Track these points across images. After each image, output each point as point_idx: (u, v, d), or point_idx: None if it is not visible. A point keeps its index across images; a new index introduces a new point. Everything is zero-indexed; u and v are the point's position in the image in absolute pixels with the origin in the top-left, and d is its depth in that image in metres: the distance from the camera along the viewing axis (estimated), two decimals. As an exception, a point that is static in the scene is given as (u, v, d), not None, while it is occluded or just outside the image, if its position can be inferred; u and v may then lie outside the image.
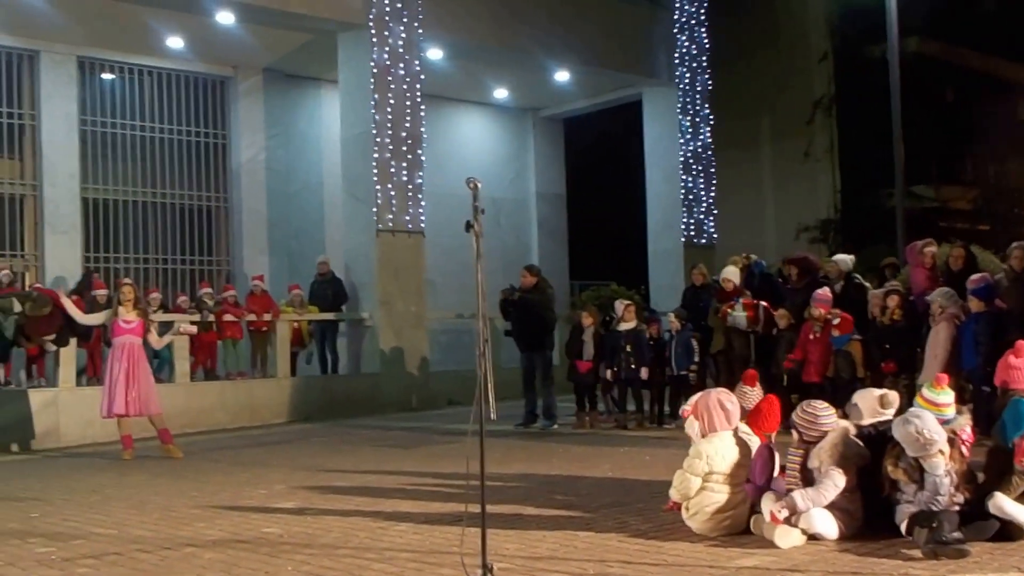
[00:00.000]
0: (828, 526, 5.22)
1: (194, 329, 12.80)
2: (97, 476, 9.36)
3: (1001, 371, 5.82)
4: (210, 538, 6.02)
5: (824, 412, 5.48)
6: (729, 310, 11.28)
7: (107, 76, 17.19)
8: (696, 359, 11.45)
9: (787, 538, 5.15)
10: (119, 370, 10.31)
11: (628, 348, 11.56)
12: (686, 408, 5.97)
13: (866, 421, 5.61)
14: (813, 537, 5.22)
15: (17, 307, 12.13)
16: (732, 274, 11.66)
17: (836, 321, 10.13)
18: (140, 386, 10.38)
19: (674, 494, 5.74)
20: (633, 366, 11.54)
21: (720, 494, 5.48)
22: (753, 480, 5.56)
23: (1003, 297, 9.26)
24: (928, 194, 22.69)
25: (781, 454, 5.71)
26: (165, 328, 13.19)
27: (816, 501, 5.20)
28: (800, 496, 5.20)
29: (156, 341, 10.96)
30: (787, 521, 5.20)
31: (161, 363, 14.59)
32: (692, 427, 5.87)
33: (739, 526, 5.47)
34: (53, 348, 12.64)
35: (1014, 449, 5.22)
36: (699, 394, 6.02)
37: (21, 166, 16.47)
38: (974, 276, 9.45)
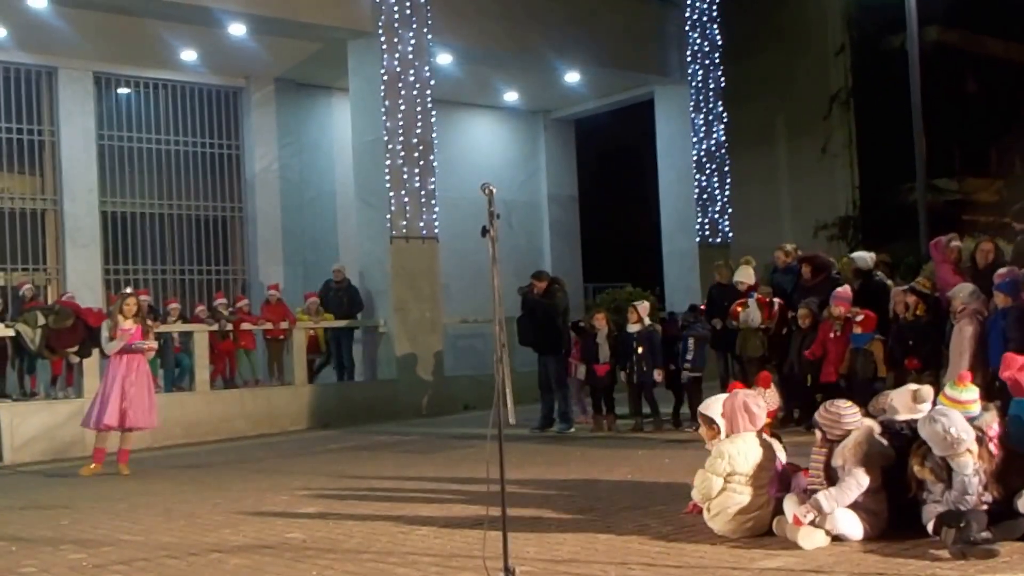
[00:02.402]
0: (853, 527, 5.18)
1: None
2: (124, 484, 9.46)
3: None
4: (235, 544, 6.07)
5: (848, 411, 5.45)
6: (740, 308, 11.21)
7: (123, 91, 17.36)
8: (688, 357, 11.28)
9: (811, 539, 5.11)
10: (119, 383, 9.95)
11: (640, 350, 11.43)
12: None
13: (900, 417, 5.56)
14: (837, 538, 5.18)
15: (41, 320, 12.29)
16: (746, 275, 11.58)
17: (859, 318, 10.02)
18: (138, 399, 10.01)
19: (696, 495, 5.72)
20: (645, 368, 11.42)
21: (742, 495, 5.45)
22: (768, 491, 5.55)
23: None
24: (951, 187, 22.38)
25: (794, 454, 5.71)
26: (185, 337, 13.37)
27: (840, 501, 5.16)
28: (824, 497, 5.16)
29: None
30: (811, 522, 5.17)
31: (182, 372, 14.74)
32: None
33: (761, 528, 5.44)
34: (76, 360, 12.79)
35: None
36: (724, 396, 6.00)
37: (41, 181, 16.66)
38: (1001, 270, 9.31)
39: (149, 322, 10.73)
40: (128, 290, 11.16)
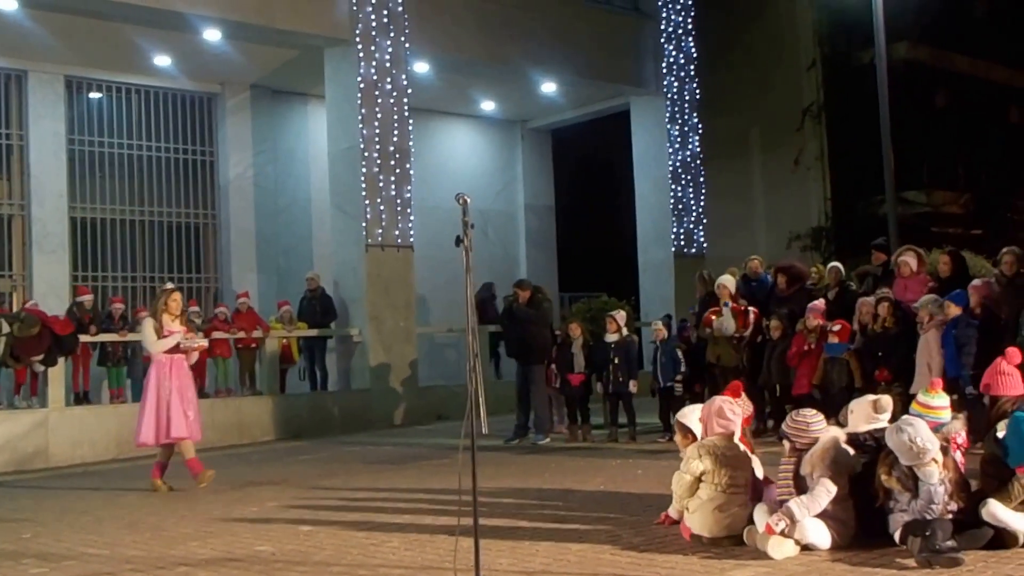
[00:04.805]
0: (821, 536, 5.22)
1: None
2: (88, 496, 9.32)
3: (988, 376, 5.81)
4: (203, 557, 5.99)
5: (814, 419, 5.55)
6: (714, 316, 11.23)
7: (95, 95, 17.19)
8: (683, 369, 11.35)
9: (780, 549, 5.14)
10: (170, 389, 9.05)
11: (616, 360, 11.41)
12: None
13: (862, 428, 5.61)
14: (806, 547, 5.21)
15: (6, 328, 12.10)
16: (727, 282, 11.61)
17: (836, 328, 10.08)
18: (190, 407, 9.16)
19: (674, 502, 5.80)
20: (622, 379, 11.40)
21: (717, 493, 5.52)
22: (745, 494, 5.58)
23: (996, 302, 9.25)
24: (920, 200, 22.66)
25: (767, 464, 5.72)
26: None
27: (811, 509, 5.21)
28: (796, 505, 5.21)
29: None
30: (781, 532, 5.19)
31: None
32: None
33: (740, 526, 5.48)
34: (41, 368, 12.62)
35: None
36: (701, 405, 6.04)
37: (9, 186, 16.45)
38: (975, 282, 9.45)
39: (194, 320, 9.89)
40: (169, 285, 9.91)
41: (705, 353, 11.47)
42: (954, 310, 9.17)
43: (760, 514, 5.37)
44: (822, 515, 5.24)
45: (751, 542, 5.36)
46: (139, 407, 9.35)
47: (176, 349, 9.15)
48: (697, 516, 5.56)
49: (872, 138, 15.99)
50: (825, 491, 5.22)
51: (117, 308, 14.32)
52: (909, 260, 10.33)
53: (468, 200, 4.87)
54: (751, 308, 11.22)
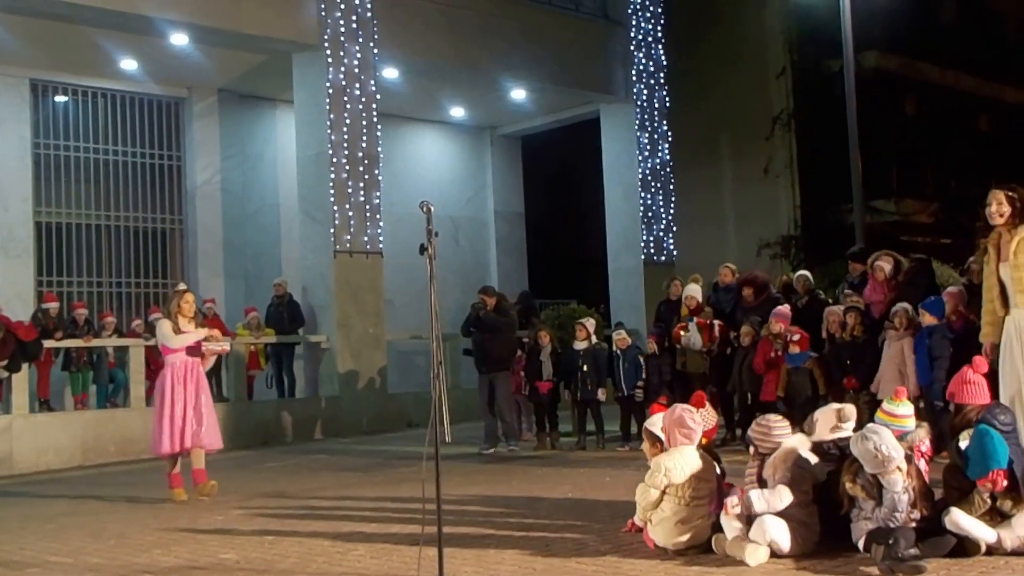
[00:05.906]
0: (781, 534, 5.22)
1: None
2: (52, 504, 9.19)
3: (954, 384, 5.86)
4: (166, 565, 5.93)
5: (778, 424, 5.60)
6: (682, 331, 11.28)
7: (60, 99, 16.98)
8: (643, 376, 11.33)
9: (755, 556, 5.15)
10: (186, 395, 8.76)
11: (585, 368, 11.43)
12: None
13: (826, 437, 5.65)
14: (774, 554, 5.22)
15: (-32, 334, 11.91)
16: (695, 292, 11.66)
17: (796, 338, 10.16)
18: (208, 413, 8.88)
19: (638, 514, 5.77)
20: (590, 386, 11.41)
21: (681, 507, 5.50)
22: (709, 505, 5.60)
23: (968, 311, 9.31)
24: (889, 208, 22.90)
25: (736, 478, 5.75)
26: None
27: (771, 503, 5.25)
28: (756, 496, 5.25)
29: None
30: (744, 535, 5.21)
31: (116, 387, 14.41)
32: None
33: (701, 538, 5.49)
34: (5, 374, 12.43)
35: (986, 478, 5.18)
36: (663, 412, 6.06)
37: (-29, 191, 16.20)
38: (950, 289, 9.55)
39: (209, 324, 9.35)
40: (182, 286, 9.50)
41: (662, 361, 11.49)
42: (928, 319, 9.21)
43: (727, 521, 5.38)
44: (787, 518, 5.26)
45: (719, 550, 5.37)
46: (154, 413, 8.97)
47: (198, 350, 8.85)
48: (659, 529, 5.55)
49: (841, 146, 16.13)
50: (786, 492, 5.26)
51: (80, 313, 14.17)
52: (884, 265, 10.42)
53: (432, 208, 4.88)
54: (716, 321, 11.29)
